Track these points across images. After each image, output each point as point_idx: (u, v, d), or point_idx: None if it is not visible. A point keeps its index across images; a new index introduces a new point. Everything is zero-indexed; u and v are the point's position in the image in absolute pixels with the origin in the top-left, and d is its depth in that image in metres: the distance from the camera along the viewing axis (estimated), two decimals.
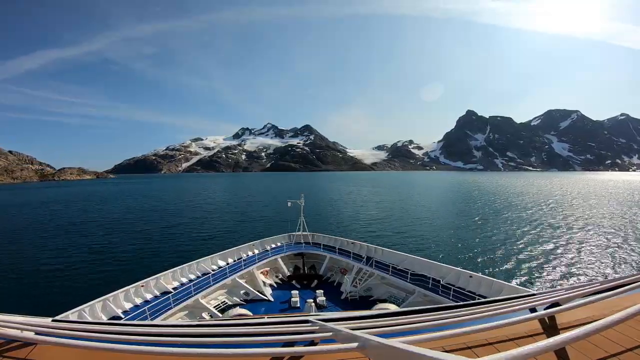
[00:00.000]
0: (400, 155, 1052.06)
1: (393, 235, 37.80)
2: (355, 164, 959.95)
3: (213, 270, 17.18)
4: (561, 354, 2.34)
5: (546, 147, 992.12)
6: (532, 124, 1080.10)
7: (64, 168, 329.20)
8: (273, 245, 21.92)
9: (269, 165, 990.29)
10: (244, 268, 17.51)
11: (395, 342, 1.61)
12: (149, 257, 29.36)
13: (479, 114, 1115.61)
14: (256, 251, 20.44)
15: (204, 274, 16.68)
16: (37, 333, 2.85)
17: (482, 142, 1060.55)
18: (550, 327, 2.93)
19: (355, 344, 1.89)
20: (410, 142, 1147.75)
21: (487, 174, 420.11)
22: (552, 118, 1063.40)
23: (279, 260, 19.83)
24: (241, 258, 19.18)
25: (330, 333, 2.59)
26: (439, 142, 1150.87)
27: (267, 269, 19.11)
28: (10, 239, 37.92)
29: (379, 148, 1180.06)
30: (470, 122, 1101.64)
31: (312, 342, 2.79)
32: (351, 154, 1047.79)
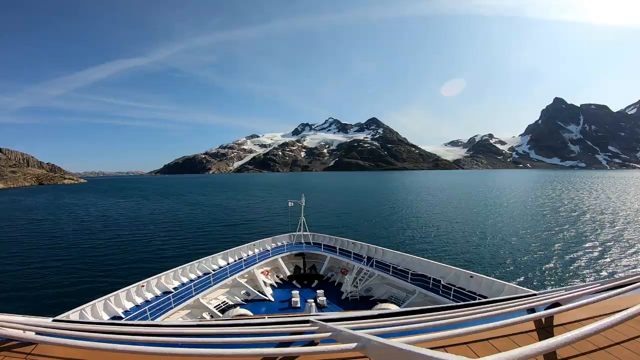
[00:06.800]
0: (483, 151, 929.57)
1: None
2: (437, 162, 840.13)
3: (214, 270, 17.09)
4: (561, 354, 2.31)
5: None
6: (627, 112, 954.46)
7: None
8: (274, 245, 21.78)
9: (332, 163, 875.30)
10: (245, 268, 17.47)
11: (395, 342, 1.60)
12: (150, 257, 28.91)
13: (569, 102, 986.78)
14: (257, 251, 20.34)
15: (204, 274, 16.62)
16: (37, 333, 2.84)
17: (578, 134, 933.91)
18: (550, 327, 2.89)
19: (355, 344, 1.88)
20: (490, 135, 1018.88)
21: (599, 173, 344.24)
22: None
23: (280, 260, 19.72)
24: (242, 258, 19.13)
25: (331, 333, 2.57)
26: (522, 135, 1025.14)
27: (268, 268, 19.03)
28: (10, 239, 37.16)
29: (453, 144, 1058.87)
30: (559, 111, 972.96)
31: (312, 342, 2.74)
32: (427, 150, 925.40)
